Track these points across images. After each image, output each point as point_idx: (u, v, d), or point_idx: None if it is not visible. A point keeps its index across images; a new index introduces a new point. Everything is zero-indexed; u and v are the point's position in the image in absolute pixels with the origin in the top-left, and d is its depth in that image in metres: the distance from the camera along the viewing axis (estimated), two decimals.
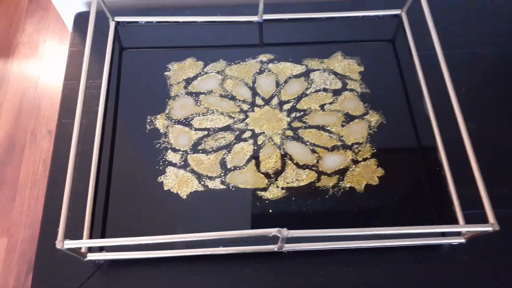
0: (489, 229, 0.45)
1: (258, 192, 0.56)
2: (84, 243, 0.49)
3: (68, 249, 0.46)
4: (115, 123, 0.62)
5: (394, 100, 0.63)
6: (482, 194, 0.48)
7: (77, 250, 0.48)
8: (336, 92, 0.63)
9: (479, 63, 0.66)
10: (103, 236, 0.53)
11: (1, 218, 1.13)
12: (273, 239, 0.49)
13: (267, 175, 0.57)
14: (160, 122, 0.61)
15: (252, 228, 0.53)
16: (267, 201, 0.55)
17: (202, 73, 0.65)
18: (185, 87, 0.64)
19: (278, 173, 0.57)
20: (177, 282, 0.51)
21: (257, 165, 0.57)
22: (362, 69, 0.65)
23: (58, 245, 0.44)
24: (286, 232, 0.46)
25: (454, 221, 0.52)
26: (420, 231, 0.49)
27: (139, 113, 0.62)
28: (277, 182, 0.56)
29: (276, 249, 0.50)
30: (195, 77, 0.65)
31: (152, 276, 0.51)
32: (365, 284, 0.51)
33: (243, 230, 0.46)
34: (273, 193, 0.55)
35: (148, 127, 0.61)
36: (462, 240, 0.51)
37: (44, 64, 1.40)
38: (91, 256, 0.51)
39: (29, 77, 1.37)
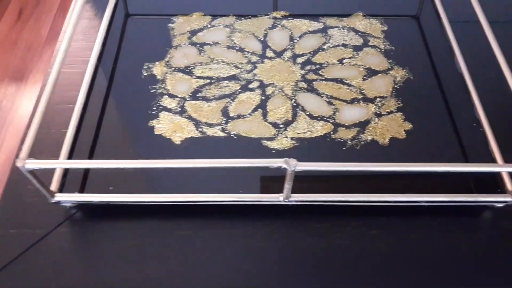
0: None
1: (264, 141, 0.48)
2: (53, 163, 0.41)
3: (32, 173, 0.38)
4: (113, 70, 0.55)
5: (421, 57, 0.55)
6: None
7: (43, 183, 0.40)
8: (357, 48, 0.56)
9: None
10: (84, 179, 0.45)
11: None
12: (278, 186, 0.41)
13: (275, 125, 0.49)
14: (158, 68, 0.54)
15: (257, 182, 0.45)
16: (273, 151, 0.47)
17: (209, 26, 0.59)
18: (189, 38, 0.58)
19: (288, 123, 0.49)
20: (163, 237, 0.42)
21: (264, 114, 0.50)
22: (385, 28, 0.59)
23: (19, 163, 0.37)
24: (294, 163, 0.37)
25: (497, 186, 0.43)
26: (458, 169, 0.40)
27: (135, 61, 0.56)
28: (286, 132, 0.48)
29: (281, 199, 0.42)
30: (201, 30, 0.59)
31: (133, 229, 0.43)
32: (392, 252, 0.41)
33: (237, 159, 0.38)
34: (281, 143, 0.47)
35: (144, 73, 0.54)
36: (510, 199, 0.42)
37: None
38: (61, 197, 0.42)
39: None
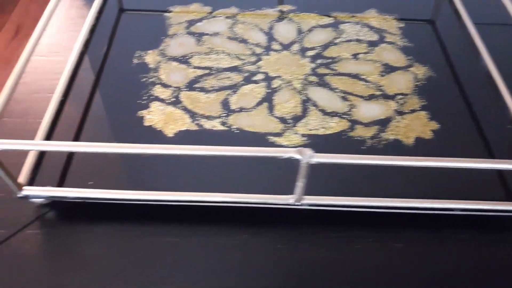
0: None
1: (270, 137, 0.41)
2: (18, 144, 0.33)
3: None
4: (102, 58, 0.49)
5: (442, 56, 0.50)
6: None
7: (9, 172, 0.33)
8: (372, 44, 0.51)
9: None
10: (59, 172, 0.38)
11: None
12: (289, 187, 0.34)
13: (282, 119, 0.43)
14: (150, 57, 0.48)
15: (262, 184, 0.38)
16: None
17: (209, 16, 0.54)
18: (187, 28, 0.52)
19: (297, 118, 0.43)
20: (147, 245, 0.35)
21: (270, 108, 0.44)
22: (402, 25, 0.54)
23: None
24: (309, 153, 0.31)
25: None
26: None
27: (126, 49, 0.50)
28: (295, 128, 0.42)
29: (292, 201, 0.35)
30: (200, 20, 0.53)
31: (113, 233, 0.36)
32: (416, 270, 0.34)
33: (239, 147, 0.32)
34: (291, 139, 0.41)
35: (135, 61, 0.48)
36: None
37: None
38: (29, 191, 0.35)
39: None
